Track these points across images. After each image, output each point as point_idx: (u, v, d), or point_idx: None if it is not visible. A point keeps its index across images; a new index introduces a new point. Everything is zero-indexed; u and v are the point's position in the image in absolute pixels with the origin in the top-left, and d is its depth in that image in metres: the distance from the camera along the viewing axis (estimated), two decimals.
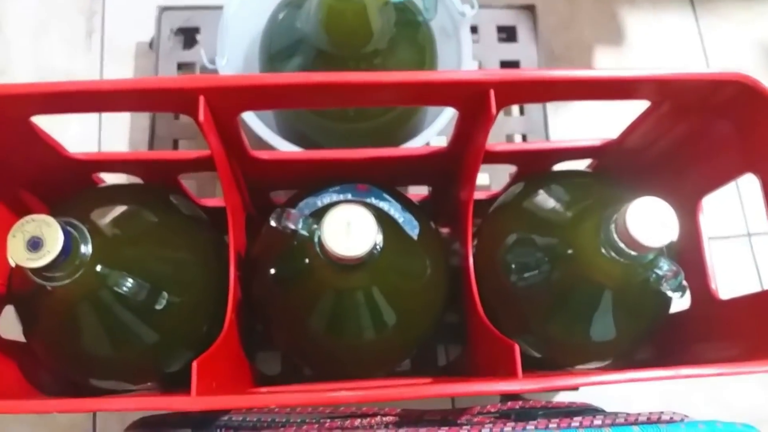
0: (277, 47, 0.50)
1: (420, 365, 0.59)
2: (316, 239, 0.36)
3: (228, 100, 0.36)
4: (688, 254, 0.46)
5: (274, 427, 0.39)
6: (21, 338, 0.44)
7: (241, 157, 0.43)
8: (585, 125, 0.75)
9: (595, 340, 0.44)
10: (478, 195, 0.49)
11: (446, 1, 0.53)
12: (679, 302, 0.44)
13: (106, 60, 0.75)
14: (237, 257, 0.43)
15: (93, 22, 0.76)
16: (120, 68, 0.74)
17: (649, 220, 0.35)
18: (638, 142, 0.46)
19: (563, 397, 0.42)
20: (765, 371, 0.32)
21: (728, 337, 0.42)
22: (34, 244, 0.33)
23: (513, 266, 0.45)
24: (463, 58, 0.53)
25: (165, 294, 0.39)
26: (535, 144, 0.47)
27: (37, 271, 0.34)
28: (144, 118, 0.69)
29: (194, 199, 0.50)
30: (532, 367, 0.46)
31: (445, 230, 0.60)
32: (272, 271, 0.43)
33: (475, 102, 0.37)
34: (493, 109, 0.36)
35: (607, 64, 0.80)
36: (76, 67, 0.74)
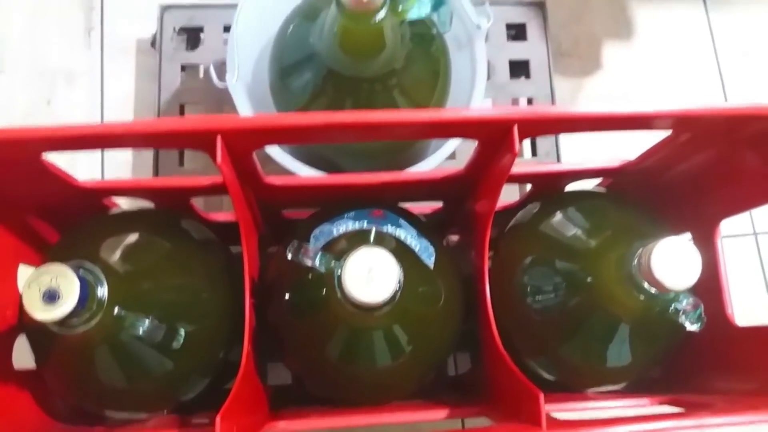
0: (288, 62, 0.48)
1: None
2: (335, 279, 0.36)
3: (245, 140, 0.35)
4: (705, 277, 0.46)
5: None
6: (33, 364, 0.43)
7: (255, 184, 0.42)
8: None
9: (610, 366, 0.44)
10: None
11: (461, 12, 0.51)
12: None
13: (107, 57, 0.73)
14: (252, 283, 0.42)
15: (92, 18, 0.74)
16: (121, 67, 0.72)
17: (673, 262, 0.35)
18: (656, 166, 0.45)
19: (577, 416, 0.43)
20: None
21: (743, 369, 0.42)
22: (50, 297, 0.32)
23: (530, 289, 0.45)
24: (477, 72, 0.52)
25: (181, 331, 0.39)
26: (555, 166, 0.46)
27: (53, 322, 0.33)
28: (149, 118, 0.68)
29: (204, 216, 0.50)
30: (544, 389, 0.47)
31: (455, 238, 0.60)
32: (287, 300, 0.43)
33: (497, 136, 0.37)
34: (517, 146, 0.36)
35: (616, 59, 0.78)
36: (75, 65, 0.72)
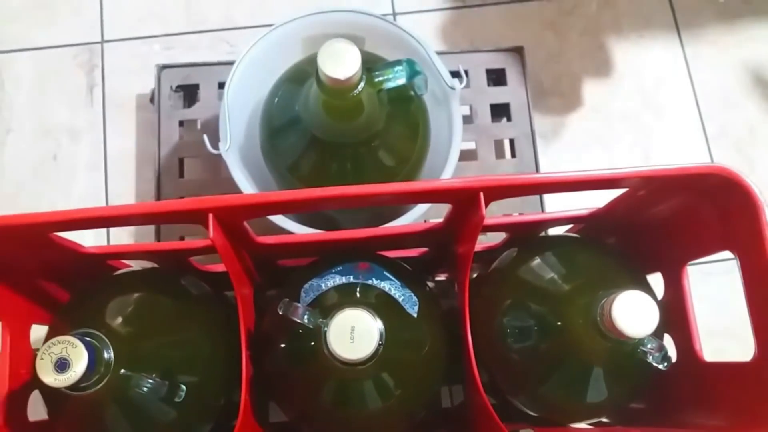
0: (277, 126, 0.52)
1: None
2: (322, 336, 0.39)
3: (235, 214, 0.38)
4: (674, 313, 0.49)
5: None
6: (46, 416, 0.46)
7: (248, 244, 0.46)
8: (574, 157, 0.78)
9: (584, 403, 0.47)
10: (475, 247, 0.52)
11: (435, 73, 0.55)
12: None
13: (108, 114, 0.77)
14: (247, 335, 0.46)
15: (94, 76, 0.78)
16: (122, 122, 0.76)
17: (632, 313, 0.38)
18: (624, 213, 0.48)
19: None
20: None
21: (713, 404, 0.45)
22: (62, 366, 0.35)
23: (508, 331, 0.48)
24: (455, 128, 0.55)
25: (183, 386, 0.42)
26: (528, 216, 0.49)
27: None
28: (149, 171, 0.72)
29: (202, 268, 0.53)
30: (531, 423, 0.50)
31: (442, 277, 0.63)
32: (280, 352, 0.46)
33: (467, 201, 0.40)
34: (483, 211, 0.39)
35: (596, 95, 0.82)
36: (78, 123, 0.76)
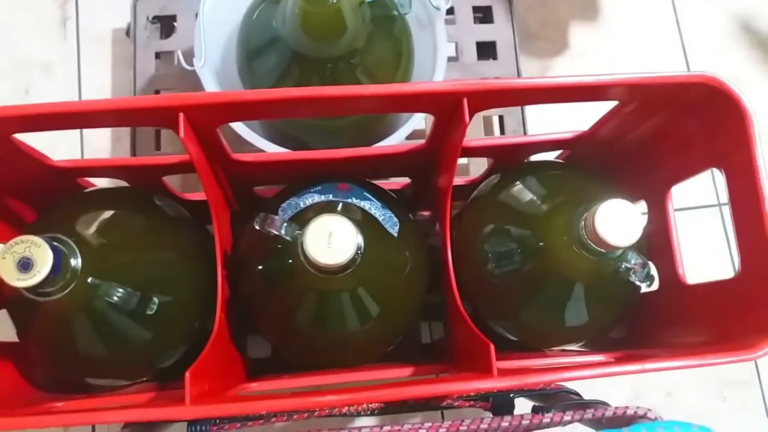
0: (254, 45, 0.50)
1: (404, 344, 0.62)
2: (299, 246, 0.38)
3: (207, 116, 0.37)
4: (658, 239, 0.48)
5: (267, 418, 0.42)
6: (15, 338, 0.45)
7: (223, 161, 0.44)
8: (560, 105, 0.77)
9: (568, 326, 0.46)
10: (457, 181, 0.51)
11: None
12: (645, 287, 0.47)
13: (83, 48, 0.74)
14: (224, 256, 0.44)
15: (66, 9, 0.75)
16: (97, 56, 0.73)
17: (616, 221, 0.37)
18: (609, 135, 0.47)
19: None
20: (732, 361, 0.34)
21: (695, 323, 0.44)
22: (24, 265, 0.34)
23: (489, 256, 0.47)
24: (439, 50, 0.53)
25: (155, 299, 0.40)
26: (510, 139, 0.48)
27: (29, 289, 0.35)
28: None
29: (178, 195, 0.51)
30: (508, 349, 0.49)
31: (426, 213, 0.62)
32: (258, 270, 0.45)
33: (449, 110, 0.38)
34: (467, 117, 0.38)
35: (583, 41, 0.80)
36: (52, 57, 0.73)
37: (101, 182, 0.51)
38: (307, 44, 0.46)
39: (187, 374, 0.34)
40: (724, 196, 0.77)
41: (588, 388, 0.47)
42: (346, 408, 0.42)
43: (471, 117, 0.38)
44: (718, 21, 0.83)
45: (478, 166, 0.67)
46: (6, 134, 0.37)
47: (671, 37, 0.82)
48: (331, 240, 0.36)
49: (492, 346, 0.36)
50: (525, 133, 0.67)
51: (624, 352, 0.46)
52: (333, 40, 0.46)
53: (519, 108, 0.70)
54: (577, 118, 0.54)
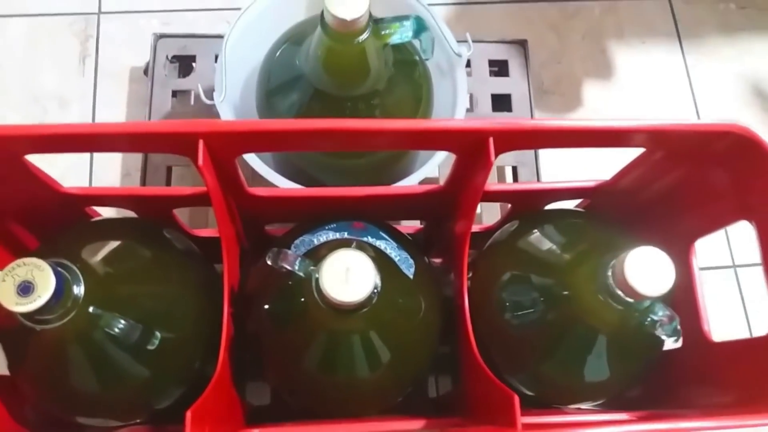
0: (275, 83, 0.50)
1: (410, 398, 0.59)
2: (313, 282, 0.36)
3: (227, 144, 0.36)
4: (681, 295, 0.47)
5: None
6: (5, 371, 0.43)
7: (237, 194, 0.43)
8: (573, 155, 0.76)
9: (588, 381, 0.44)
10: (472, 228, 0.50)
11: (442, 40, 0.53)
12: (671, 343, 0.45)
13: (100, 85, 0.74)
14: (231, 293, 0.42)
15: (87, 46, 0.76)
16: (114, 94, 0.74)
17: (646, 269, 0.36)
18: (632, 185, 0.46)
19: None
20: (763, 424, 0.32)
21: (720, 383, 0.42)
22: (25, 289, 0.32)
23: (508, 305, 0.45)
24: (458, 97, 0.53)
25: (157, 334, 0.38)
26: (531, 185, 0.47)
27: (27, 315, 0.33)
28: None
29: (187, 230, 0.50)
30: (524, 404, 0.47)
31: (437, 261, 0.60)
32: (266, 308, 0.43)
33: (474, 148, 0.38)
34: (492, 157, 0.37)
35: (596, 97, 0.81)
36: (68, 92, 0.73)
37: (109, 214, 0.50)
38: (329, 81, 0.46)
39: (188, 414, 0.32)
40: (740, 257, 0.77)
41: None
42: None
43: (496, 157, 0.37)
44: (730, 84, 0.83)
45: (491, 215, 0.66)
46: (18, 154, 0.36)
47: (684, 97, 0.82)
48: (349, 276, 0.34)
49: (517, 398, 0.34)
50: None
51: (646, 412, 0.44)
52: (355, 78, 0.45)
53: (533, 159, 0.70)
54: (591, 173, 0.54)
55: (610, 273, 0.37)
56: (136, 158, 0.68)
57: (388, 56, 0.48)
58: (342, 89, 0.46)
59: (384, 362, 0.41)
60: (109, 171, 0.71)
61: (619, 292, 0.37)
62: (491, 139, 0.37)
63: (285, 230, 0.50)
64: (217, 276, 0.47)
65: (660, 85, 0.83)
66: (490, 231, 0.53)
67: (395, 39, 0.46)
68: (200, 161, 0.35)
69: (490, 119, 0.35)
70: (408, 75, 0.51)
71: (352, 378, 0.41)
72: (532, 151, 0.71)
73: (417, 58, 0.52)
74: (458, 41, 0.55)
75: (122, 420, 0.43)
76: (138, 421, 0.44)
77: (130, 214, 0.46)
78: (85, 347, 0.37)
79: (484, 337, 0.44)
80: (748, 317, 0.76)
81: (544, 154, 0.73)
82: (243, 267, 0.49)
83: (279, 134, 0.35)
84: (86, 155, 0.71)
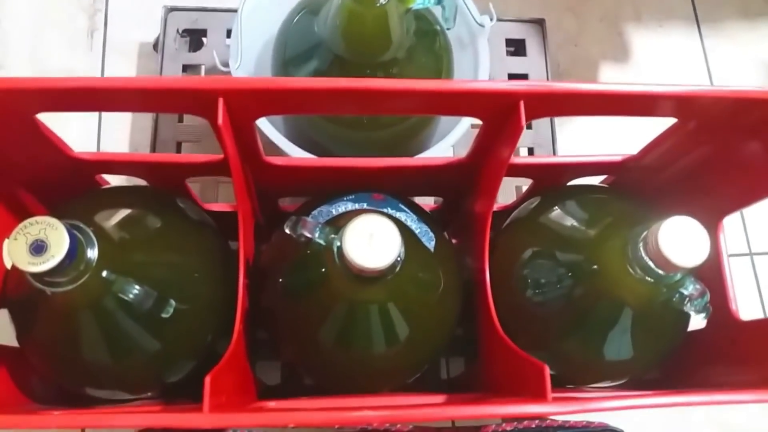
0: (292, 52, 0.48)
1: (422, 379, 0.58)
2: (334, 249, 0.35)
3: (248, 104, 0.34)
4: (708, 273, 0.45)
5: None
6: (13, 342, 0.41)
7: (254, 162, 0.42)
8: (590, 138, 0.75)
9: (611, 359, 0.43)
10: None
11: (464, 11, 0.52)
12: (696, 321, 0.44)
13: (108, 60, 0.73)
14: (246, 265, 0.41)
15: (95, 20, 0.74)
16: (122, 68, 0.72)
17: (680, 240, 0.34)
18: (659, 160, 0.45)
19: (580, 415, 0.41)
20: None
21: (745, 361, 0.41)
22: (38, 248, 0.31)
23: (531, 281, 0.44)
24: (480, 68, 0.52)
25: (171, 302, 0.37)
26: (555, 158, 0.46)
27: (38, 276, 0.32)
28: (146, 118, 0.67)
29: (200, 203, 0.49)
30: None
31: (453, 242, 0.59)
32: (283, 280, 0.42)
33: (503, 114, 0.36)
34: (523, 121, 0.35)
35: (612, 81, 0.79)
36: (76, 66, 0.72)
37: (119, 184, 0.48)
38: (349, 47, 0.44)
39: (207, 378, 0.31)
40: (757, 245, 0.76)
41: (631, 427, 0.43)
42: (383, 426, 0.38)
43: (527, 123, 0.36)
44: (749, 69, 0.82)
45: (507, 195, 0.64)
46: (30, 112, 0.35)
47: (702, 81, 0.81)
48: (372, 241, 0.33)
49: (547, 369, 0.32)
50: None
51: (673, 391, 0.43)
52: (376, 43, 0.44)
53: (551, 141, 0.68)
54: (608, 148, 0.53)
55: (641, 244, 0.36)
56: (145, 134, 0.67)
57: (410, 24, 0.46)
58: (362, 56, 0.45)
59: (403, 336, 0.40)
60: (117, 146, 0.69)
61: (651, 264, 0.36)
62: (522, 103, 0.35)
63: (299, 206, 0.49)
64: (230, 249, 0.45)
65: (677, 70, 0.81)
66: (508, 210, 0.51)
67: (418, 4, 0.44)
68: (220, 120, 0.33)
69: (521, 81, 0.34)
70: (429, 46, 0.50)
71: (370, 351, 0.40)
72: (549, 133, 0.69)
73: (438, 28, 0.50)
74: (481, 13, 0.53)
75: (131, 392, 0.42)
76: (148, 394, 0.43)
77: (141, 184, 0.45)
78: (97, 313, 0.36)
79: (504, 316, 0.43)
80: (764, 305, 0.74)
81: (561, 135, 0.71)
82: (257, 243, 0.48)
83: (301, 93, 0.34)
84: (94, 128, 0.69)
